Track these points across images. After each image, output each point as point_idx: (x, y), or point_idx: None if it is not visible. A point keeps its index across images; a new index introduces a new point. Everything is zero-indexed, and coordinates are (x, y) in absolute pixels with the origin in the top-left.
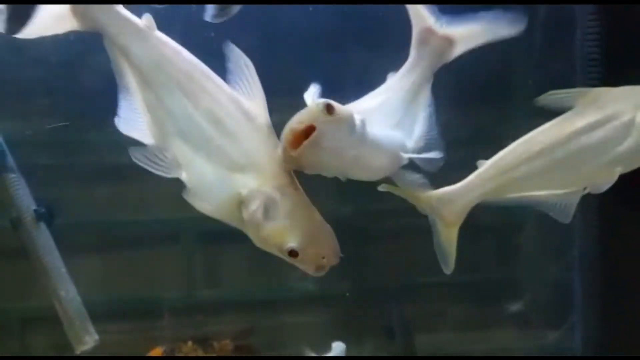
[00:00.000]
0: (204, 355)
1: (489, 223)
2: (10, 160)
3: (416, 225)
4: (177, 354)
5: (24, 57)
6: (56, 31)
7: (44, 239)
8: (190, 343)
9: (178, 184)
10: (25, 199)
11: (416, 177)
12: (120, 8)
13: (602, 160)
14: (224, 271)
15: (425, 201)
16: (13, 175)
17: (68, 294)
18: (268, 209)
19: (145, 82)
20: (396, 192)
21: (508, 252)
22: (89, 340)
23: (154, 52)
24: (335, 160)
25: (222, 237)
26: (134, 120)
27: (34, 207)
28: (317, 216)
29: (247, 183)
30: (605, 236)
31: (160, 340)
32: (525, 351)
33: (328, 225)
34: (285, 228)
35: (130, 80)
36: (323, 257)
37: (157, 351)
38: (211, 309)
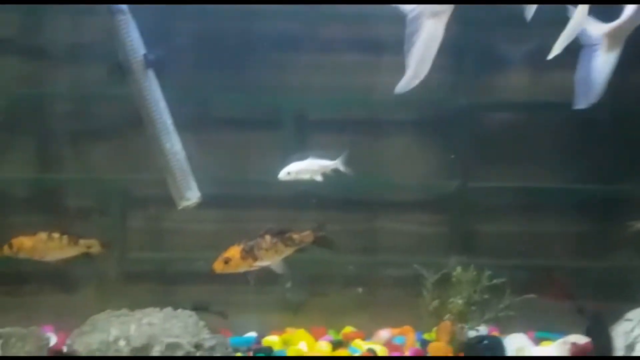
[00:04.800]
0: (285, 247)
1: None
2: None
3: None
4: (256, 251)
5: None
6: None
7: (151, 87)
8: (268, 237)
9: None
10: (135, 42)
11: None
12: None
13: None
14: None
15: None
16: (123, 17)
17: (173, 146)
18: None
19: None
20: None
21: None
22: (190, 195)
23: None
24: None
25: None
26: None
27: (143, 51)
28: None
29: None
30: None
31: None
32: None
33: None
34: None
35: None
36: None
37: (236, 249)
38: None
